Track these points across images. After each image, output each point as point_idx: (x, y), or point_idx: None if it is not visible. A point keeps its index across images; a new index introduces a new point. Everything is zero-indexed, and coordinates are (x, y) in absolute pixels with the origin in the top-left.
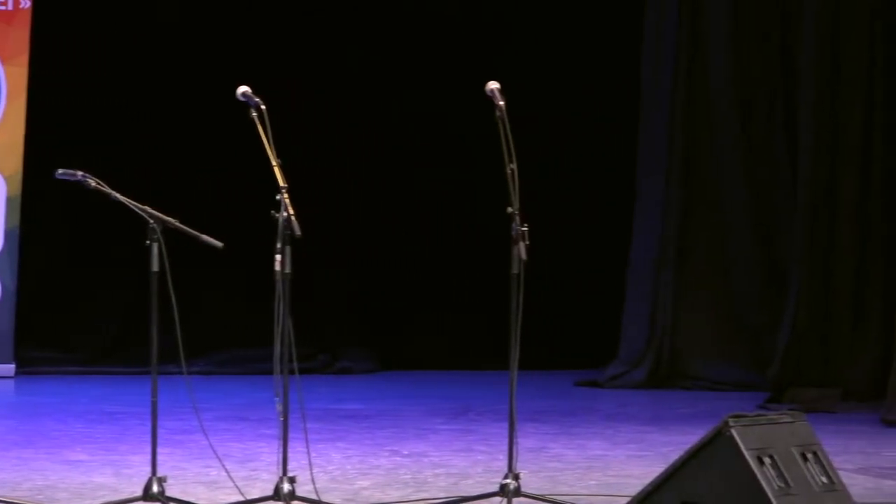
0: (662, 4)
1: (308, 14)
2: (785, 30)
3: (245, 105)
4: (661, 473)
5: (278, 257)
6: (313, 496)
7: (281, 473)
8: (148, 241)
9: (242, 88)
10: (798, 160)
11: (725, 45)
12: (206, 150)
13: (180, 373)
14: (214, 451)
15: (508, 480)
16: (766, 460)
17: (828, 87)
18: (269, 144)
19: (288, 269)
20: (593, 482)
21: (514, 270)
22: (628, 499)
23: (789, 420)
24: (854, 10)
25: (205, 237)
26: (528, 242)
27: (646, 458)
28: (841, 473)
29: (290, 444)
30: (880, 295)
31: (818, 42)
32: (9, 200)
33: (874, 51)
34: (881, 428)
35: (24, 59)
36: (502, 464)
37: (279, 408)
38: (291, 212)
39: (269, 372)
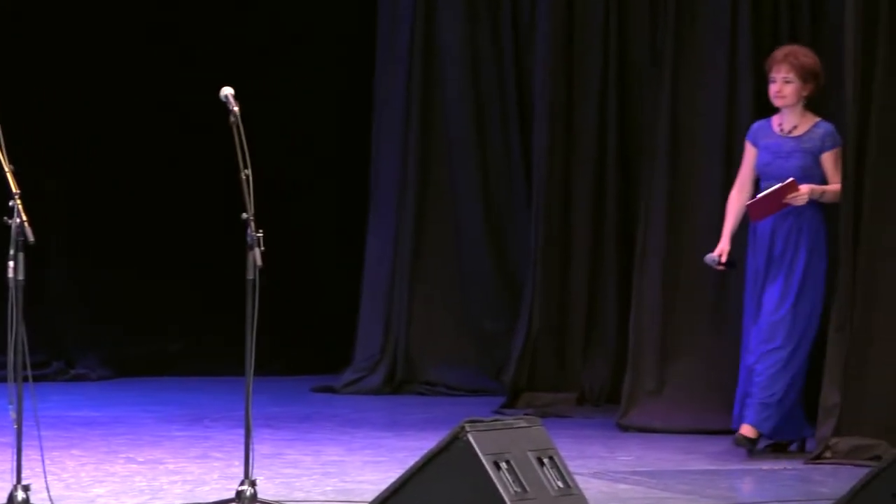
0: (395, 13)
1: (49, 16)
2: (518, 33)
3: None
4: (398, 479)
5: (11, 264)
6: None
7: (15, 481)
8: None
9: None
10: (533, 165)
11: (460, 51)
12: None
13: None
14: None
15: (245, 487)
16: (503, 465)
17: (562, 88)
18: (2, 150)
19: (21, 276)
20: (329, 488)
21: (250, 276)
22: None
23: (525, 425)
24: (587, 8)
25: None
26: (263, 248)
27: (382, 463)
28: (577, 478)
29: (24, 452)
30: (614, 300)
31: (552, 42)
32: None
33: (608, 48)
34: (616, 432)
35: None
36: (238, 470)
37: (13, 415)
38: (24, 218)
39: (3, 379)
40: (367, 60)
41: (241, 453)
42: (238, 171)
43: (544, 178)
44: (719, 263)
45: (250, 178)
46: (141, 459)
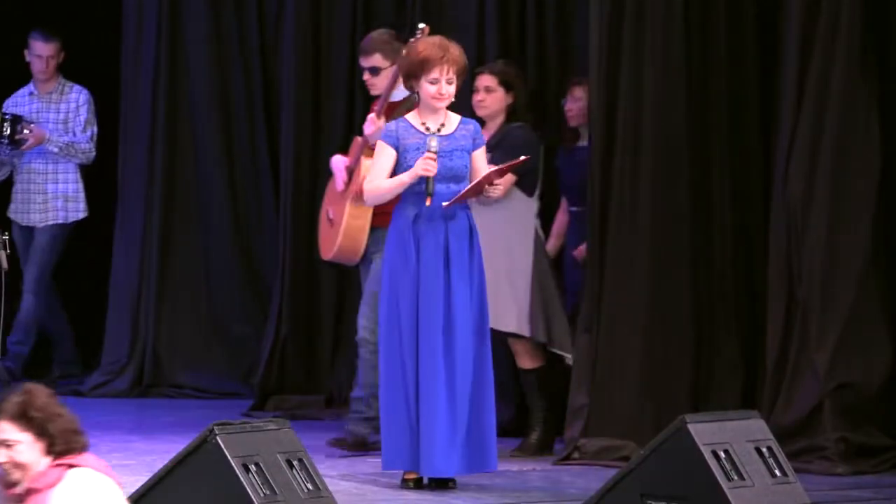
0: (141, 20)
1: None
2: (263, 36)
3: None
4: (147, 482)
5: None
6: None
7: None
8: None
9: None
10: (280, 167)
11: (205, 58)
12: None
13: None
14: None
15: None
16: (252, 468)
17: (309, 92)
18: None
19: None
20: None
21: None
22: None
23: (274, 427)
24: (334, 4)
25: None
26: (8, 251)
27: (130, 466)
28: (326, 480)
29: None
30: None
31: (298, 43)
32: None
33: (354, 51)
34: None
35: None
36: None
37: None
38: None
39: None
40: (113, 56)
41: None
42: None
43: (291, 180)
44: None
45: None
46: None
